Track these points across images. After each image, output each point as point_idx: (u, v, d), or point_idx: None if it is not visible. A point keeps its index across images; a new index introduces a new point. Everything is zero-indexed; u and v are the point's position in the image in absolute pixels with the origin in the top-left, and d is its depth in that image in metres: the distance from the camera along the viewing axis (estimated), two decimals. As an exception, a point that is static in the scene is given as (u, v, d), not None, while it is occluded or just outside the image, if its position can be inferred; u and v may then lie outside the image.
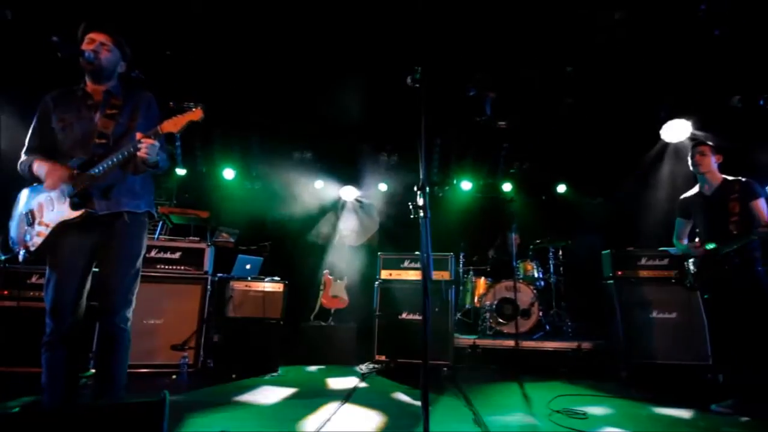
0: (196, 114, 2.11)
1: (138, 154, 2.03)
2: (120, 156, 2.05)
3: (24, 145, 2.22)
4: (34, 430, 1.30)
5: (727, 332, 3.13)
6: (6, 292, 3.60)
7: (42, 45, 3.81)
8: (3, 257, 3.16)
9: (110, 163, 2.05)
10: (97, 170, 2.05)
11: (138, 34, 3.96)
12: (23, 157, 2.20)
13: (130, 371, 2.21)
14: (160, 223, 4.81)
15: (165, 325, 3.88)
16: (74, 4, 3.69)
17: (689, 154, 3.35)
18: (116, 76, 2.29)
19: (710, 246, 3.12)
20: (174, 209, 5.01)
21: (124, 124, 2.19)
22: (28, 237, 2.05)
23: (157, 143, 2.06)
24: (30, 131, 2.22)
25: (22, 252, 2.06)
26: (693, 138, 5.16)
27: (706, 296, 3.27)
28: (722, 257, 3.06)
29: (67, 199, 2.05)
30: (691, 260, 3.32)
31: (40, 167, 2.12)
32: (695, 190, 3.39)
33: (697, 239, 3.34)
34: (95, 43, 2.17)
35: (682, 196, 3.49)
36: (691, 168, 3.34)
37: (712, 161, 3.25)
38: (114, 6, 3.80)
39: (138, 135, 2.04)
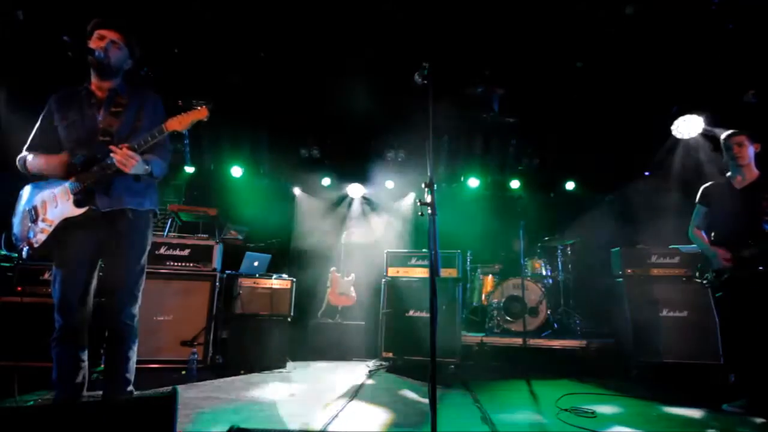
0: (202, 113, 2.10)
1: (116, 163, 2.02)
2: (108, 161, 2.05)
3: (26, 143, 2.23)
4: (45, 424, 1.32)
5: (740, 331, 3.05)
6: (19, 289, 3.66)
7: (52, 44, 3.85)
8: (5, 253, 3.19)
9: (102, 165, 2.06)
10: (95, 169, 2.07)
11: (146, 32, 4.01)
12: (23, 153, 2.21)
13: (140, 367, 2.23)
14: (170, 220, 4.85)
15: (174, 322, 3.92)
16: (82, 3, 3.72)
17: (724, 145, 3.18)
18: (122, 74, 2.28)
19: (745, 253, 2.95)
20: (183, 207, 5.04)
21: (129, 123, 2.16)
22: (31, 233, 2.06)
23: (137, 158, 2.03)
24: (34, 130, 2.23)
25: (25, 248, 2.07)
26: (708, 133, 5.06)
27: (718, 294, 3.17)
28: (750, 257, 2.94)
29: (71, 197, 2.06)
30: (713, 258, 3.15)
31: (35, 160, 2.14)
32: (723, 180, 3.24)
33: (712, 235, 3.20)
34: (105, 41, 2.16)
35: (706, 184, 3.31)
36: (727, 160, 3.17)
37: (751, 152, 3.09)
38: (122, 4, 3.82)
39: (123, 145, 2.02)
